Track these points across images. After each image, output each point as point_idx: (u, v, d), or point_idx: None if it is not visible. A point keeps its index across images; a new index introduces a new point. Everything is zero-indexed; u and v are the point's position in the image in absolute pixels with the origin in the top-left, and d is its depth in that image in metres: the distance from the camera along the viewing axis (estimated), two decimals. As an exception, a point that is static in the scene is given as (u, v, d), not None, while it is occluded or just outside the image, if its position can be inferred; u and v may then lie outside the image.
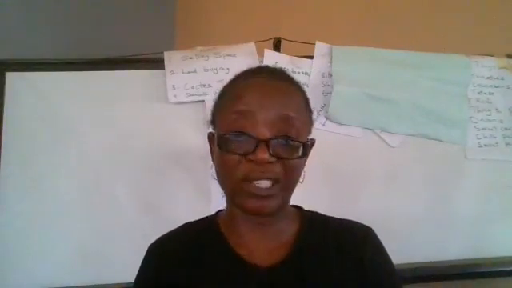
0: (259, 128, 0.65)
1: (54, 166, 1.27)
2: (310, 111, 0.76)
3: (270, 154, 0.64)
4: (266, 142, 0.64)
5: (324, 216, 0.80)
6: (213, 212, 0.84)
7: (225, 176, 0.70)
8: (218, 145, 0.69)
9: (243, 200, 0.67)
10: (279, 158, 0.66)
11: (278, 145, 0.66)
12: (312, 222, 0.78)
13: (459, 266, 1.35)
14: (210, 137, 0.77)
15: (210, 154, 0.79)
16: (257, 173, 0.65)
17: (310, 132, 0.75)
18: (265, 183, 0.66)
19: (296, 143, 0.68)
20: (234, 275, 0.71)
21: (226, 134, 0.67)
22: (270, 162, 0.65)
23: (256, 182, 0.66)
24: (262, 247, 0.73)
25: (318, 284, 0.70)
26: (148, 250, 0.79)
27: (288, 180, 0.68)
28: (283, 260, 0.71)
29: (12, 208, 1.24)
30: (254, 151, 0.64)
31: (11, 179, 1.25)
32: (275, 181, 0.66)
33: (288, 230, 0.76)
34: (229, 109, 0.69)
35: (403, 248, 1.28)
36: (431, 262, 1.34)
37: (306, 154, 0.70)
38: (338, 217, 0.81)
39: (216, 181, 0.75)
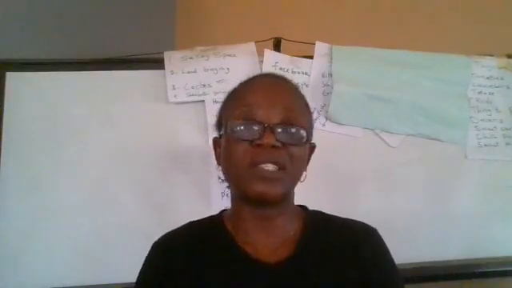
0: (266, 116, 0.71)
1: (54, 166, 1.27)
2: (310, 113, 0.80)
3: (275, 139, 0.69)
4: (272, 129, 0.70)
5: (327, 215, 0.81)
6: (213, 212, 0.84)
7: (233, 165, 0.72)
8: (226, 136, 0.74)
9: (250, 184, 0.70)
10: (284, 144, 0.71)
11: (283, 132, 0.71)
12: (315, 220, 0.79)
13: (459, 266, 1.35)
14: (216, 141, 0.80)
15: (210, 153, 0.83)
16: (263, 156, 0.70)
17: (311, 133, 0.78)
18: (271, 167, 0.70)
19: (300, 131, 0.73)
20: (241, 271, 0.71)
21: (235, 123, 0.72)
22: (276, 147, 0.70)
23: (262, 166, 0.69)
24: (267, 244, 0.74)
25: (320, 281, 0.71)
26: (152, 247, 0.79)
27: (292, 167, 0.72)
28: (288, 256, 0.72)
29: (12, 208, 1.24)
30: (260, 137, 0.69)
31: (11, 179, 1.25)
32: (281, 166, 0.70)
33: (291, 226, 0.77)
34: (237, 104, 0.75)
35: (403, 248, 1.27)
36: (431, 262, 1.33)
37: (308, 141, 0.76)
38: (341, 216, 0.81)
39: (217, 181, 0.76)
